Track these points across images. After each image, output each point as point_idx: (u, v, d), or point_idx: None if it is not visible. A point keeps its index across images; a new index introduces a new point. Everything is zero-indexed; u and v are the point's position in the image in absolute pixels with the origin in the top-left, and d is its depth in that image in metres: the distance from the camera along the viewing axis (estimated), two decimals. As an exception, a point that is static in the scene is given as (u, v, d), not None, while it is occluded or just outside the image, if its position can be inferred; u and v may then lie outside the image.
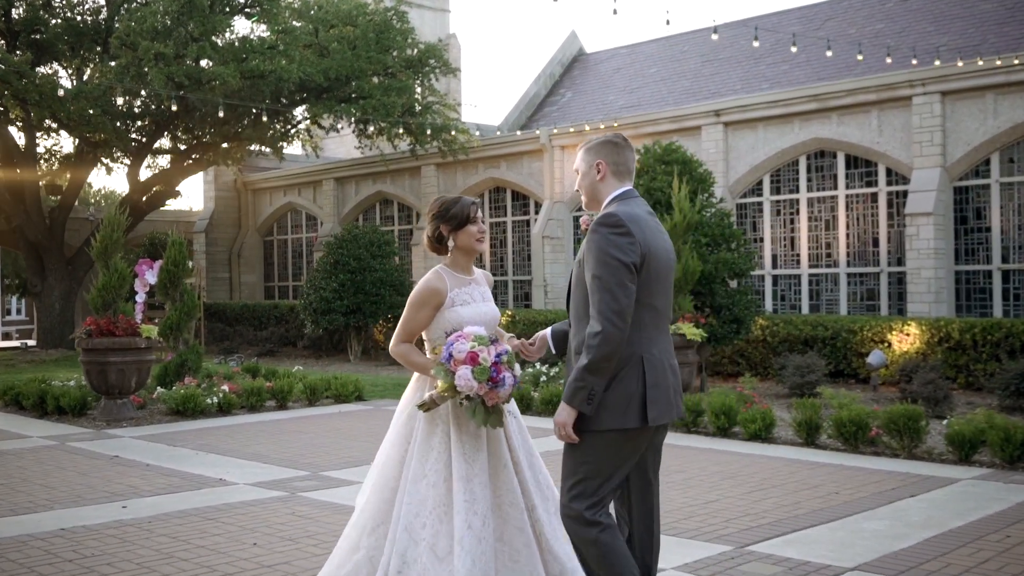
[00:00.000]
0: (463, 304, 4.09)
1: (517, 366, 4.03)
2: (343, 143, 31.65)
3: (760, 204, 17.87)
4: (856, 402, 10.22)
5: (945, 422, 9.65)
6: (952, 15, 20.10)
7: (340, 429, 10.56)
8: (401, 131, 20.22)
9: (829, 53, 18.14)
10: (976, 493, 7.16)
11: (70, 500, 6.96)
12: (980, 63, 14.99)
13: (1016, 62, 14.50)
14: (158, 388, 12.02)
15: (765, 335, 14.61)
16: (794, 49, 20.07)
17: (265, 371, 14.57)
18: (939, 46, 18.51)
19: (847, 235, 16.80)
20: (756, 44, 20.21)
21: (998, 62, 14.71)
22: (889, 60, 18.32)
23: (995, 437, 8.28)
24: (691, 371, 10.81)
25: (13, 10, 18.14)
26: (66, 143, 22.16)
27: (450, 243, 4.16)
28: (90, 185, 37.95)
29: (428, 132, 19.60)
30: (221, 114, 17.35)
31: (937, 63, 16.71)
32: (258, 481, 7.63)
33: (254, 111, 19.21)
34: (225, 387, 11.92)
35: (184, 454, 8.96)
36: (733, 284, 13.67)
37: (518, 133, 21.41)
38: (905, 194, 15.96)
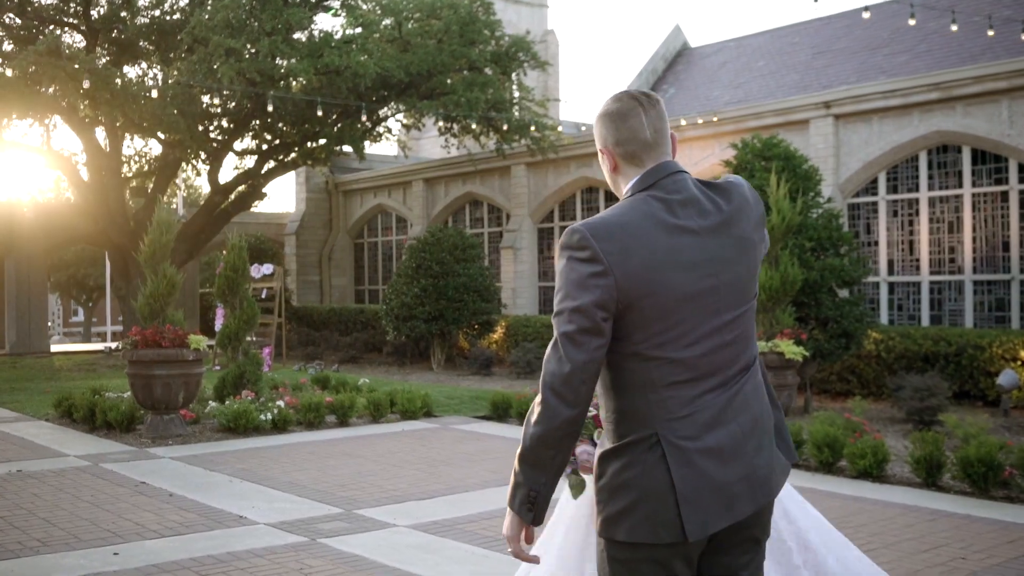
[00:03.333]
0: None
1: None
2: (436, 143, 30.99)
3: (875, 204, 16.28)
4: (985, 432, 8.77)
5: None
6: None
7: (395, 452, 9.62)
8: (485, 128, 19.24)
9: (954, 27, 16.37)
10: None
11: (62, 542, 6.16)
12: None
13: None
14: (210, 403, 11.31)
15: (879, 350, 13.10)
16: (940, 19, 18.38)
17: (336, 381, 13.80)
18: None
19: (973, 238, 15.10)
20: (913, 18, 18.57)
21: None
22: None
23: None
24: (790, 393, 9.53)
25: (92, 10, 17.89)
26: (154, 145, 21.95)
27: None
28: (190, 187, 38.22)
29: (506, 128, 18.55)
30: (298, 112, 16.74)
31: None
32: (281, 521, 6.72)
33: (323, 114, 18.54)
34: (282, 402, 11.13)
35: (217, 481, 8.14)
36: (843, 293, 12.24)
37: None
38: (1040, 192, 14.21)
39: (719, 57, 26.64)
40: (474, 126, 18.81)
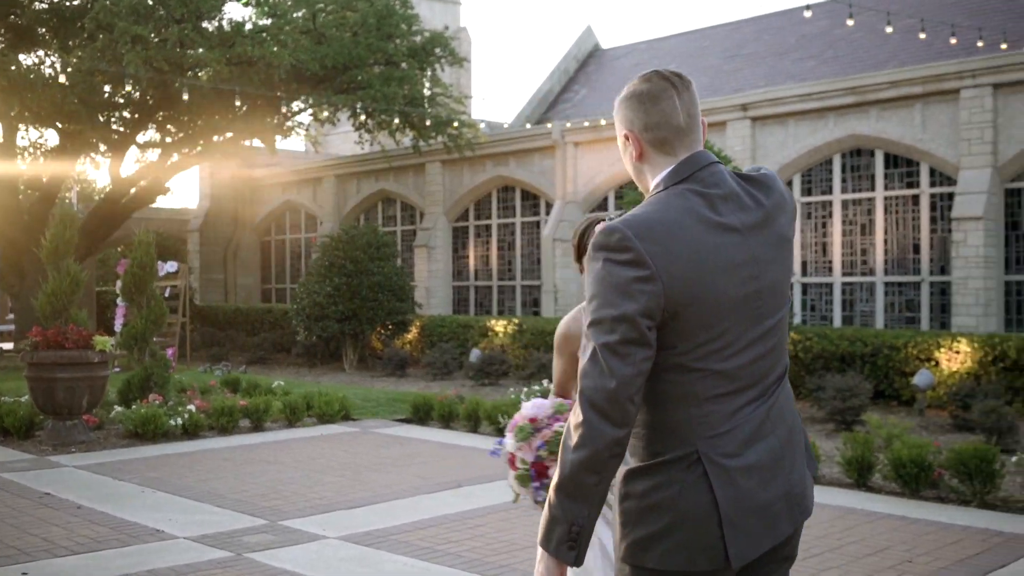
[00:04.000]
0: None
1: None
2: (346, 139, 30.39)
3: (789, 206, 16.47)
4: (908, 432, 8.85)
5: (1015, 459, 8.30)
6: (989, 8, 18.64)
7: (316, 458, 9.23)
8: (403, 124, 18.83)
9: (884, 27, 16.63)
10: (1083, 564, 5.77)
11: (-41, 562, 5.64)
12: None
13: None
14: (115, 407, 10.70)
15: (796, 351, 13.20)
16: (851, 22, 18.70)
17: (247, 384, 13.28)
18: (973, 41, 17.04)
19: (885, 241, 15.39)
20: (808, 14, 18.84)
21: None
22: (953, 41, 16.93)
23: (1092, 486, 6.90)
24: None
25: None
26: (51, 136, 20.89)
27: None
28: (83, 181, 36.69)
29: (428, 123, 18.21)
30: (207, 103, 16.08)
31: (979, 44, 15.27)
32: (201, 534, 6.30)
33: (240, 105, 17.88)
34: (192, 406, 10.60)
35: (127, 491, 7.64)
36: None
37: (527, 127, 20.06)
38: (950, 196, 14.55)
39: (631, 59, 26.74)
40: (396, 121, 18.38)
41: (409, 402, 12.47)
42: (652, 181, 2.28)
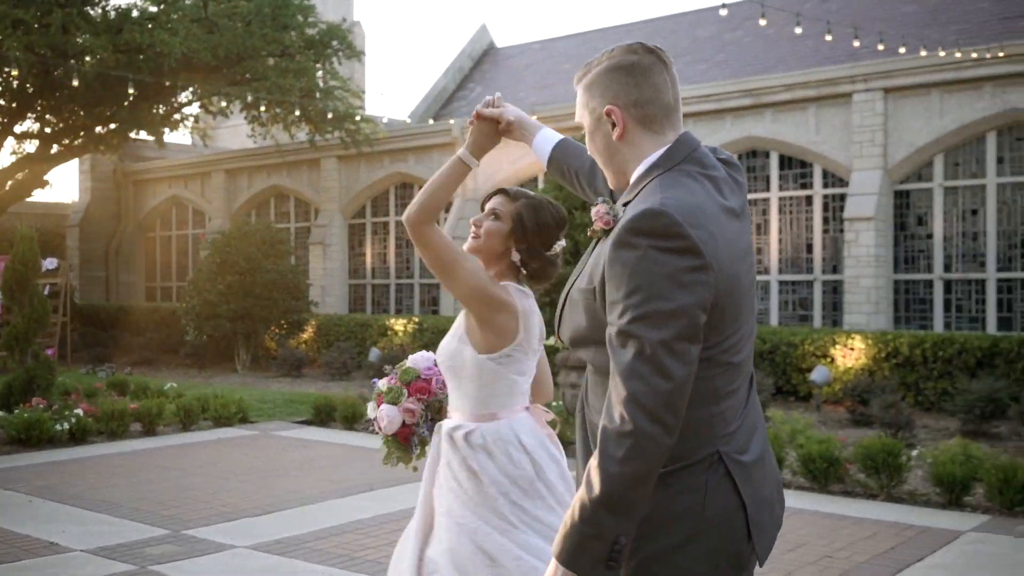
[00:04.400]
0: None
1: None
2: (236, 133, 29.53)
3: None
4: (811, 427, 9.00)
5: (916, 452, 8.52)
6: (874, 17, 19.26)
7: (216, 463, 8.83)
8: (299, 117, 18.33)
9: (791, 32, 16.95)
10: (992, 554, 5.91)
11: None
12: (923, 53, 14.02)
13: (959, 55, 13.58)
14: (-4, 411, 10.05)
15: (698, 348, 13.36)
16: (764, 26, 19.02)
17: (135, 386, 12.68)
18: (857, 49, 17.53)
19: (779, 240, 15.72)
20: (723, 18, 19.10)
21: (943, 54, 13.76)
22: (856, 45, 17.37)
23: (992, 479, 7.10)
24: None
25: None
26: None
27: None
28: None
29: (330, 116, 17.78)
30: (91, 93, 15.29)
31: (874, 42, 15.73)
32: (100, 547, 5.90)
33: (132, 92, 17.12)
34: (80, 409, 10.03)
35: (14, 501, 7.14)
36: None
37: (431, 122, 19.80)
38: (842, 197, 14.95)
39: (525, 58, 26.73)
40: (296, 112, 17.87)
41: (308, 403, 12.13)
42: (636, 163, 2.11)
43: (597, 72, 2.15)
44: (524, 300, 3.03)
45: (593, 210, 2.16)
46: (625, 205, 2.10)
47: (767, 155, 15.93)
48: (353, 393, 12.12)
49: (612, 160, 2.17)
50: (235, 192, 23.76)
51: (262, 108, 18.10)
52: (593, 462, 1.89)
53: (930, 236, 14.40)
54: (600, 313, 2.06)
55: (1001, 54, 13.14)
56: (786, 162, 15.75)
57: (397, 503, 7.20)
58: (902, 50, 14.62)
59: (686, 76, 20.15)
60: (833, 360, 12.63)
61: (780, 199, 15.75)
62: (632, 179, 2.14)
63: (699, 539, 1.98)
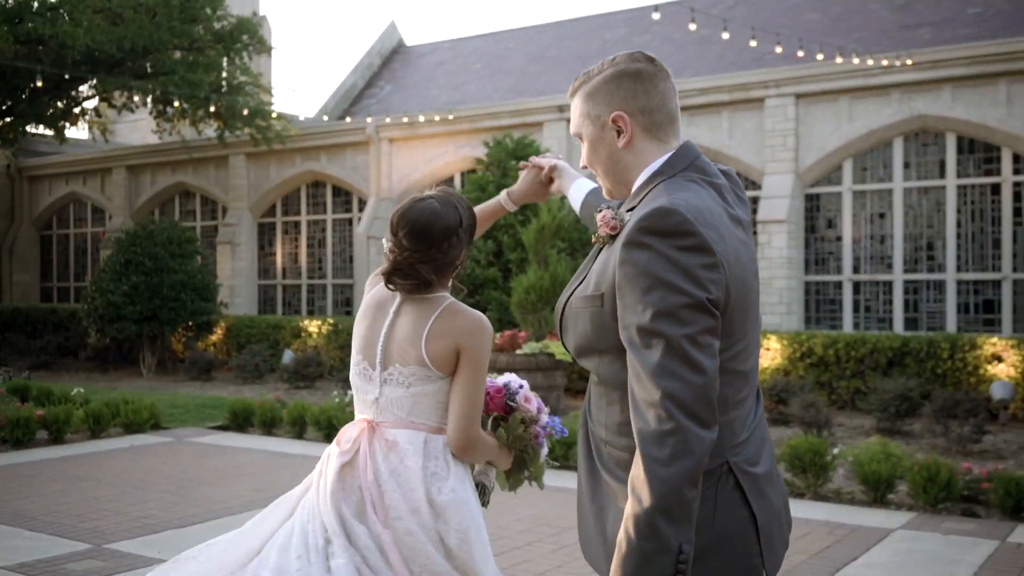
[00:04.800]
0: None
1: None
2: (137, 128, 28.61)
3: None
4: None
5: (836, 451, 8.70)
6: (779, 24, 19.74)
7: (132, 472, 8.48)
8: (208, 113, 17.80)
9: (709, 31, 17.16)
10: (925, 551, 6.05)
11: None
12: (839, 60, 14.37)
13: (870, 63, 13.98)
14: None
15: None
16: (692, 26, 19.18)
17: (37, 391, 12.10)
18: (763, 54, 17.92)
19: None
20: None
21: (856, 61, 14.14)
22: (752, 44, 17.67)
23: (917, 477, 7.29)
24: (558, 395, 9.42)
25: None
26: None
27: None
28: None
29: (246, 113, 17.32)
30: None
31: (782, 48, 16.08)
32: (19, 563, 5.58)
33: (31, 85, 16.39)
34: (-18, 417, 9.52)
35: (-85, 518, 6.71)
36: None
37: (348, 120, 19.44)
38: (755, 200, 15.23)
39: (435, 57, 26.57)
40: (211, 108, 17.35)
41: (222, 408, 11.80)
42: (638, 171, 2.09)
43: (600, 79, 2.12)
44: None
45: (598, 216, 2.13)
46: (629, 211, 2.08)
47: (682, 158, 16.13)
48: (270, 397, 11.81)
49: (614, 168, 2.15)
50: (137, 189, 22.99)
51: (175, 104, 17.52)
52: (637, 472, 1.82)
53: (839, 238, 14.78)
54: (607, 320, 2.02)
55: (909, 62, 13.56)
56: (701, 165, 15.97)
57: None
58: (801, 53, 14.96)
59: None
60: (750, 360, 12.84)
61: (695, 201, 15.96)
62: (634, 187, 2.12)
63: (714, 553, 1.93)
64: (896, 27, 17.55)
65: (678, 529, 1.78)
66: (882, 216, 14.51)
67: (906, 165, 14.32)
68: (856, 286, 14.62)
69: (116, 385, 15.74)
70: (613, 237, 2.08)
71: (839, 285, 14.76)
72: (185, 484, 7.99)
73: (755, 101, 15.12)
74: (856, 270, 14.64)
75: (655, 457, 1.79)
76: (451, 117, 17.67)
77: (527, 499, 7.51)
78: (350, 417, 10.22)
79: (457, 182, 18.56)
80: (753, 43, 15.03)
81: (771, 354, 12.77)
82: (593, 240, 2.17)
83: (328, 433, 10.24)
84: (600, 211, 2.13)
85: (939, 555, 5.95)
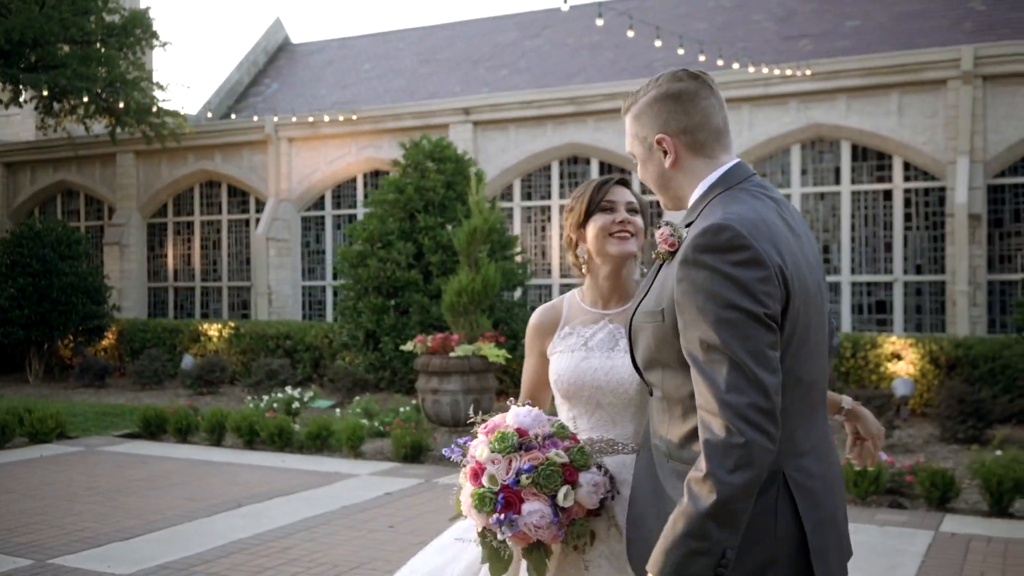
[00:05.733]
0: (561, 352, 2.58)
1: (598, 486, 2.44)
2: (9, 123, 27.20)
3: (511, 210, 16.87)
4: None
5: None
6: (669, 32, 20.22)
7: (52, 484, 8.10)
8: (99, 109, 17.07)
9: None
10: (866, 543, 6.32)
11: None
12: (735, 67, 14.85)
13: (777, 72, 14.50)
14: None
15: (532, 351, 13.54)
16: (619, 26, 19.38)
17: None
18: (652, 60, 18.33)
19: (601, 245, 16.17)
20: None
21: (765, 70, 14.63)
22: (656, 42, 18.03)
23: (847, 471, 7.61)
24: (490, 397, 9.45)
25: None
26: None
27: (580, 253, 2.63)
28: None
29: (153, 108, 16.67)
30: None
31: (670, 55, 16.47)
32: (-40, 584, 5.27)
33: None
34: None
35: None
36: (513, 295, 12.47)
37: (254, 119, 18.88)
38: (658, 203, 15.57)
39: (323, 55, 26.18)
40: (93, 105, 16.61)
41: (125, 416, 11.42)
42: (691, 188, 2.15)
43: (644, 102, 2.18)
44: None
45: (657, 232, 2.21)
46: (687, 226, 2.14)
47: (588, 162, 16.38)
48: (181, 403, 11.44)
49: (667, 187, 2.22)
50: (15, 188, 21.88)
51: (66, 99, 16.73)
52: (696, 475, 1.88)
53: (740, 242, 15.25)
54: (669, 334, 2.07)
55: (808, 72, 14.11)
56: (606, 169, 16.24)
57: (273, 519, 6.87)
58: (679, 49, 15.38)
59: (487, 81, 20.38)
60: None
61: (601, 205, 16.20)
62: (691, 202, 2.17)
63: (770, 565, 1.98)
64: (779, 38, 18.21)
65: (726, 533, 1.86)
66: (781, 220, 15.06)
67: (803, 172, 14.90)
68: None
69: (1, 393, 14.96)
70: (672, 253, 2.14)
71: (740, 287, 15.24)
72: (113, 495, 7.68)
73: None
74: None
75: (720, 465, 1.85)
76: (354, 117, 17.46)
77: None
78: (273, 423, 10.01)
79: (359, 184, 18.37)
80: (658, 43, 15.34)
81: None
82: (654, 256, 2.24)
83: (249, 440, 10.00)
84: (659, 227, 2.21)
85: (882, 546, 6.22)
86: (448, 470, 8.75)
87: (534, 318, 2.74)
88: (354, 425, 9.57)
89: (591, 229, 2.59)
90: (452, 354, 9.01)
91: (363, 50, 25.69)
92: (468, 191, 12.29)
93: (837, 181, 14.67)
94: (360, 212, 18.01)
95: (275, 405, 11.52)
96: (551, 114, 16.31)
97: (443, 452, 2.63)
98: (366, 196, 17.98)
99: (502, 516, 2.35)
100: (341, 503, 7.45)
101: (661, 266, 2.20)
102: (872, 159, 14.48)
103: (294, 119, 17.75)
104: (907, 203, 14.22)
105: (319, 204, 18.70)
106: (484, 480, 2.41)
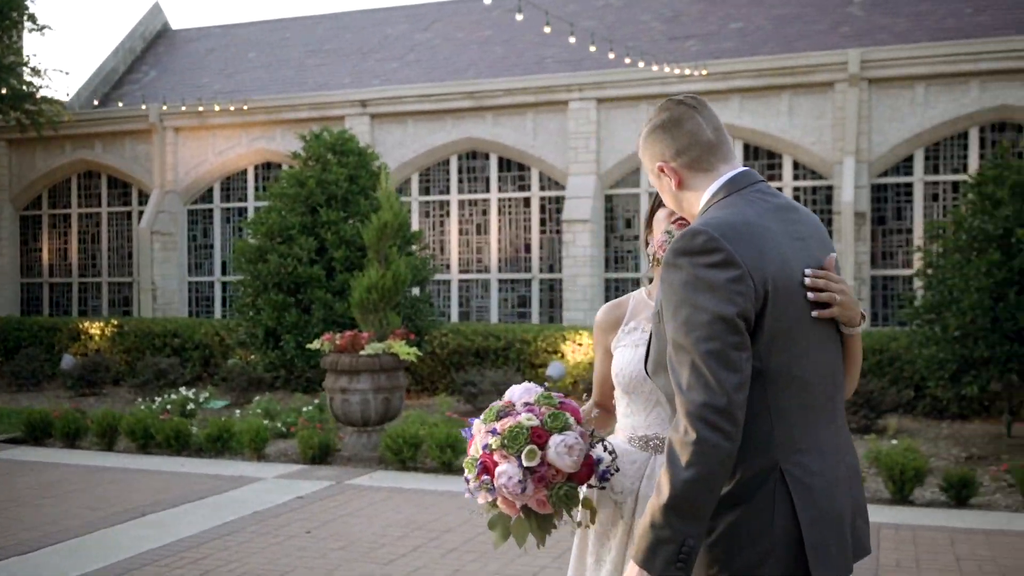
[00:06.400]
0: (624, 347, 2.65)
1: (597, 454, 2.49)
2: None
3: (409, 204, 16.67)
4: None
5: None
6: (559, 30, 20.31)
7: (-65, 495, 7.56)
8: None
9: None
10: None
11: None
12: (640, 65, 15.01)
13: (659, 68, 14.70)
14: None
15: (434, 347, 13.41)
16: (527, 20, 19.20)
17: None
18: (543, 58, 18.40)
19: (499, 240, 16.17)
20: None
21: (661, 68, 14.82)
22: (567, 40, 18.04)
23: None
24: (401, 396, 9.29)
25: None
26: None
27: (649, 251, 2.69)
28: None
29: (11, 97, 15.80)
30: None
31: (561, 52, 16.61)
32: None
33: None
34: None
35: None
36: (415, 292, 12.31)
37: (142, 107, 18.09)
38: (559, 200, 15.67)
39: (206, 43, 25.37)
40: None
41: (23, 419, 10.76)
42: (701, 199, 2.27)
43: (643, 138, 2.36)
44: None
45: (654, 240, 2.42)
46: None
47: (487, 157, 16.31)
48: (66, 406, 10.89)
49: (681, 206, 2.35)
50: None
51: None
52: (661, 470, 2.00)
53: (636, 237, 15.46)
54: (664, 335, 2.17)
55: (704, 72, 14.38)
56: (505, 164, 16.21)
57: (182, 528, 6.57)
58: (571, 37, 15.51)
59: (377, 73, 20.08)
60: (564, 356, 13.19)
61: (500, 200, 16.19)
62: (697, 212, 2.29)
63: (767, 560, 2.04)
64: (666, 38, 18.50)
65: (685, 525, 1.96)
66: (676, 217, 15.31)
67: (698, 169, 15.17)
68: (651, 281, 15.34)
69: None
70: None
71: (637, 282, 15.44)
72: (8, 505, 7.23)
73: (559, 104, 15.53)
74: (653, 268, 15.37)
75: (676, 462, 1.96)
76: (245, 107, 16.96)
77: (393, 503, 7.37)
78: (170, 426, 9.60)
79: (251, 176, 17.86)
80: (547, 29, 15.37)
81: (583, 349, 13.17)
82: (653, 264, 2.42)
83: (144, 444, 9.59)
84: (655, 237, 2.36)
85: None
86: (359, 471, 8.57)
87: (600, 315, 2.78)
88: (257, 426, 9.27)
89: (656, 222, 2.67)
90: (362, 352, 8.81)
91: (248, 38, 24.99)
92: (372, 185, 12.07)
93: (731, 179, 15.00)
94: (252, 205, 17.52)
95: (169, 407, 11.08)
96: (450, 108, 16.19)
97: (462, 432, 2.69)
98: (261, 189, 17.52)
99: (480, 480, 2.42)
100: (251, 508, 7.19)
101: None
102: (764, 158, 14.87)
103: (183, 107, 17.12)
104: (796, 200, 14.64)
105: (207, 197, 18.11)
106: (471, 451, 2.50)
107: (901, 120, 14.00)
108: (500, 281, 16.19)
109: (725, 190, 2.21)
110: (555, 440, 2.39)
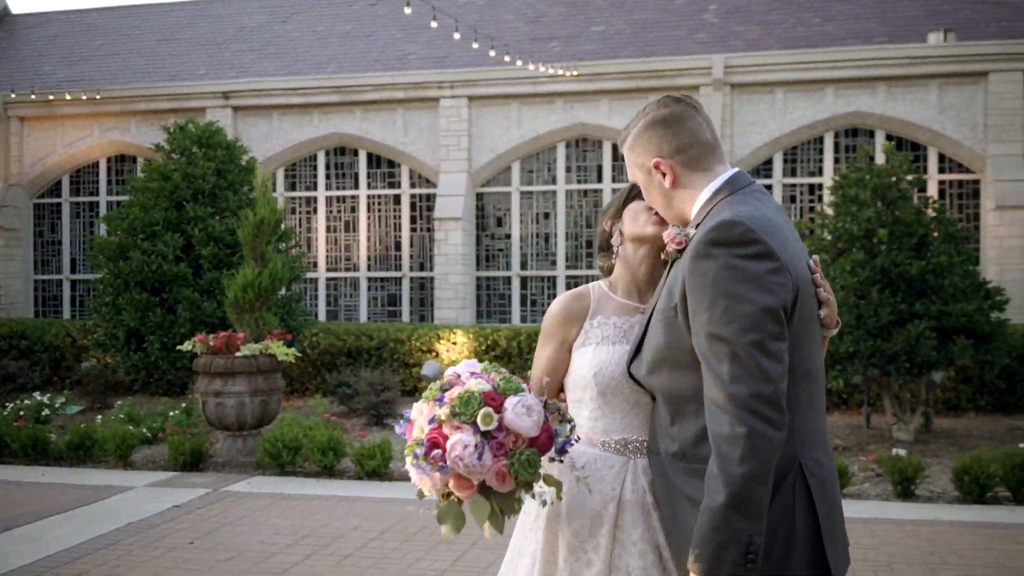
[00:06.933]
0: (599, 344, 2.45)
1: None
2: None
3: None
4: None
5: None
6: (419, 26, 20.21)
7: None
8: None
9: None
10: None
11: None
12: (506, 59, 15.03)
13: (535, 68, 14.81)
14: None
15: (304, 347, 13.09)
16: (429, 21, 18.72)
17: None
18: (406, 54, 18.26)
19: (368, 238, 15.92)
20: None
21: (530, 67, 14.88)
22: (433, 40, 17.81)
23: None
24: (278, 398, 9.02)
25: None
26: None
27: (615, 242, 2.55)
28: None
29: None
30: None
31: (423, 49, 16.54)
32: None
33: None
34: None
35: None
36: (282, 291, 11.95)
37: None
38: (429, 197, 15.55)
39: (48, 29, 24.07)
40: None
41: None
42: (692, 202, 2.25)
43: (636, 132, 2.30)
44: None
45: (665, 233, 2.30)
46: (696, 227, 2.23)
47: (356, 153, 16.04)
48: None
49: (671, 205, 2.29)
50: None
51: None
52: (712, 469, 1.96)
53: (508, 236, 15.51)
54: (682, 330, 2.14)
55: (575, 72, 14.54)
56: (375, 160, 15.98)
57: (54, 542, 6.18)
58: (433, 22, 15.51)
59: (234, 65, 19.47)
60: (438, 355, 13.10)
61: (369, 197, 15.94)
62: (696, 207, 2.26)
63: (791, 552, 2.06)
64: (529, 39, 18.61)
65: (748, 523, 1.92)
66: (547, 216, 15.44)
67: (567, 169, 15.35)
68: (524, 281, 15.44)
69: None
70: (680, 252, 2.23)
71: (508, 280, 15.49)
72: None
73: (430, 101, 15.41)
74: (524, 266, 15.45)
75: (728, 457, 1.93)
76: (98, 96, 16.12)
77: (276, 509, 7.13)
78: (26, 433, 9.01)
79: (103, 169, 17.03)
80: (408, 8, 15.27)
81: (458, 347, 13.12)
82: (663, 257, 2.32)
83: (12, 451, 8.98)
84: (669, 231, 2.29)
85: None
86: (236, 477, 8.26)
87: (560, 304, 2.55)
88: (122, 432, 8.83)
89: (628, 213, 2.52)
90: (238, 354, 8.49)
91: (94, 25, 23.85)
92: (241, 180, 11.67)
93: (599, 179, 15.23)
94: (104, 200, 16.70)
95: (22, 412, 10.42)
96: (317, 102, 15.84)
97: (395, 427, 2.45)
98: (115, 182, 16.70)
99: (430, 458, 2.19)
100: (126, 519, 6.83)
101: (671, 266, 2.28)
102: (632, 158, 15.14)
103: (33, 96, 16.13)
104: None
105: (55, 190, 17.15)
106: (411, 437, 2.29)
107: (762, 124, 14.52)
108: (369, 279, 15.95)
109: (728, 188, 2.20)
110: (512, 401, 2.21)
